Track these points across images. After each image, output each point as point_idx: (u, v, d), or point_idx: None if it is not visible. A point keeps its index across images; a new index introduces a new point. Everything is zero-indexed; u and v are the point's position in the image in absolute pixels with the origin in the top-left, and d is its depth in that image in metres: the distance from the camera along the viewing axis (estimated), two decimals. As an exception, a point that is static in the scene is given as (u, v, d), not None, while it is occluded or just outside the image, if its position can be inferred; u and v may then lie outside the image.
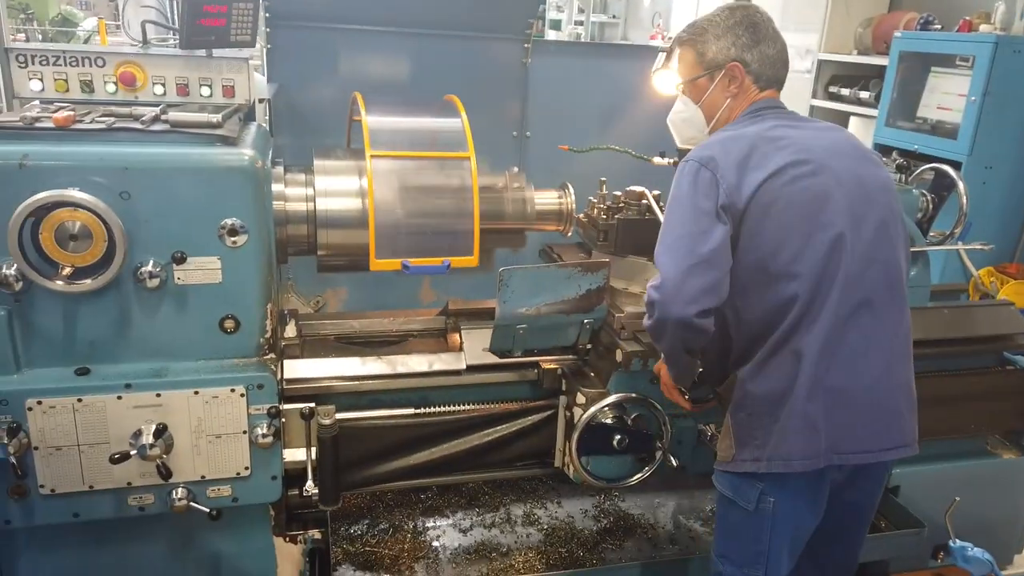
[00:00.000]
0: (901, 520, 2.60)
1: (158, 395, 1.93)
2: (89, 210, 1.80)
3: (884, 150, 4.66)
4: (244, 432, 2.01)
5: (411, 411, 2.41)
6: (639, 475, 2.43)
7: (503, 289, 2.13)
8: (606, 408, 2.32)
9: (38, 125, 1.87)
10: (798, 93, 5.80)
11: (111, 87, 2.11)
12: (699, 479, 2.73)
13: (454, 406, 2.45)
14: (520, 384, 2.51)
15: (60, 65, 2.07)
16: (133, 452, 1.89)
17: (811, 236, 1.82)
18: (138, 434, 1.91)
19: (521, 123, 4.16)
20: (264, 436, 2.00)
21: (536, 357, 2.44)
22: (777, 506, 1.91)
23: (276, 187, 2.17)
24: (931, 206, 2.77)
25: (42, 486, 1.92)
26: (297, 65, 3.79)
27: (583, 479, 2.40)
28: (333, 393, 2.33)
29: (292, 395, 2.24)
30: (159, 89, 2.14)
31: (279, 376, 2.11)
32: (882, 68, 5.05)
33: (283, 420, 2.09)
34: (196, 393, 1.96)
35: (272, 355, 2.09)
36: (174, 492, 1.99)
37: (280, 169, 2.25)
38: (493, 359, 2.40)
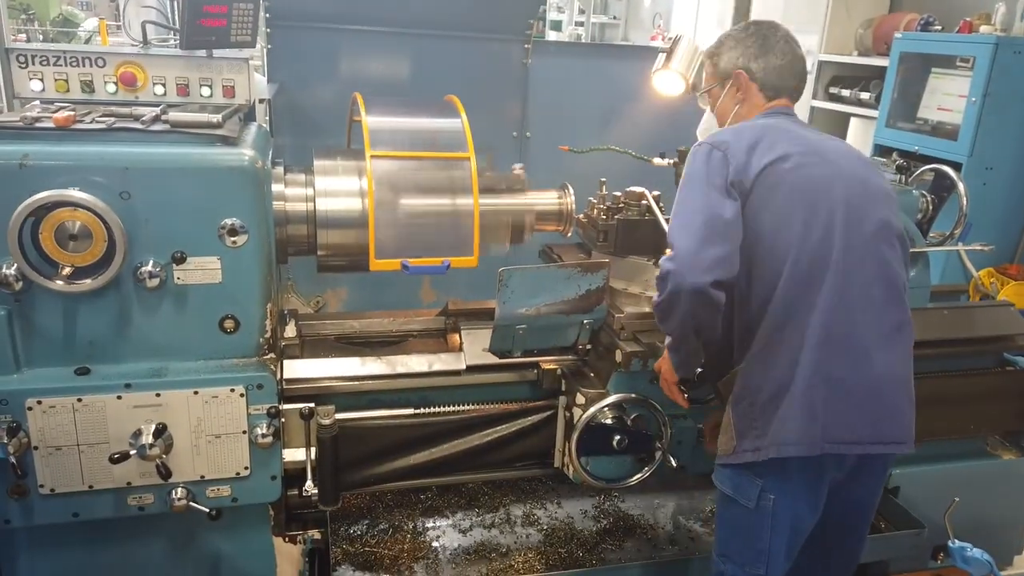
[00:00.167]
0: (901, 521, 2.60)
1: (158, 395, 1.94)
2: (89, 210, 1.80)
3: (884, 151, 4.67)
4: (244, 432, 2.01)
5: (411, 411, 2.42)
6: (639, 475, 2.43)
7: (503, 289, 2.14)
8: (606, 408, 2.32)
9: (38, 125, 1.88)
10: (798, 93, 5.78)
11: (111, 87, 2.12)
12: (699, 479, 2.74)
13: (454, 406, 2.45)
14: (520, 384, 2.51)
15: (61, 65, 2.08)
16: (133, 452, 1.90)
17: (808, 221, 1.89)
18: (138, 434, 1.91)
19: (521, 124, 4.16)
20: (264, 436, 2.01)
21: (536, 357, 2.45)
22: (777, 503, 1.94)
23: (276, 187, 2.17)
24: (931, 207, 2.77)
25: (42, 486, 1.92)
26: (297, 65, 3.79)
27: (583, 479, 2.40)
28: (333, 393, 2.34)
29: (292, 395, 2.25)
30: (159, 89, 2.15)
31: (279, 376, 2.12)
32: (882, 69, 5.04)
33: (283, 420, 2.10)
34: (196, 393, 1.96)
35: (272, 355, 2.09)
36: (174, 492, 1.99)
37: (280, 169, 2.25)
38: (493, 359, 2.41)
